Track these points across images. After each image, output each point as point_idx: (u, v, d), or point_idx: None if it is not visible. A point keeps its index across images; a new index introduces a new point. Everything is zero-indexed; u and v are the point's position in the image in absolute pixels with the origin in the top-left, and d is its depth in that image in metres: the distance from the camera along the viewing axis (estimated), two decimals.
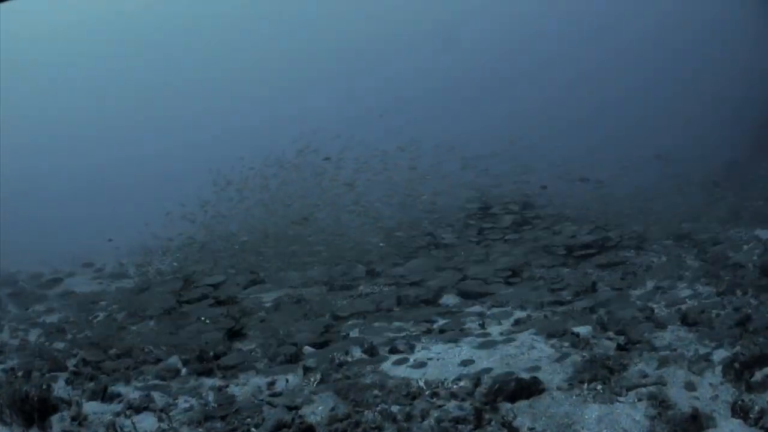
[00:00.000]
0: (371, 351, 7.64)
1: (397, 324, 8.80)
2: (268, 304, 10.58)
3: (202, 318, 9.17)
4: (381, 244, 12.25)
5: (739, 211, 16.00)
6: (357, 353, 7.77)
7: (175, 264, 14.53)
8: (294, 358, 7.76)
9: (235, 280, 12.78)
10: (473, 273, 10.67)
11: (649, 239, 14.69)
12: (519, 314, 9.31)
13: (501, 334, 8.30)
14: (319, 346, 8.08)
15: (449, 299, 10.25)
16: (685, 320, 9.03)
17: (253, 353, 8.06)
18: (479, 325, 8.65)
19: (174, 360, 8.65)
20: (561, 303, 9.90)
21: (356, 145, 14.57)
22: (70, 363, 9.50)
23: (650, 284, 11.25)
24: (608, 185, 16.02)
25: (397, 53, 44.87)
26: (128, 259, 18.33)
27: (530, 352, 7.56)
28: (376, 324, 8.40)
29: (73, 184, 36.10)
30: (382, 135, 15.68)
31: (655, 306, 9.84)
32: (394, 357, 7.49)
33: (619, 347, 7.98)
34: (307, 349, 7.93)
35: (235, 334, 8.86)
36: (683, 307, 9.60)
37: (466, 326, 8.69)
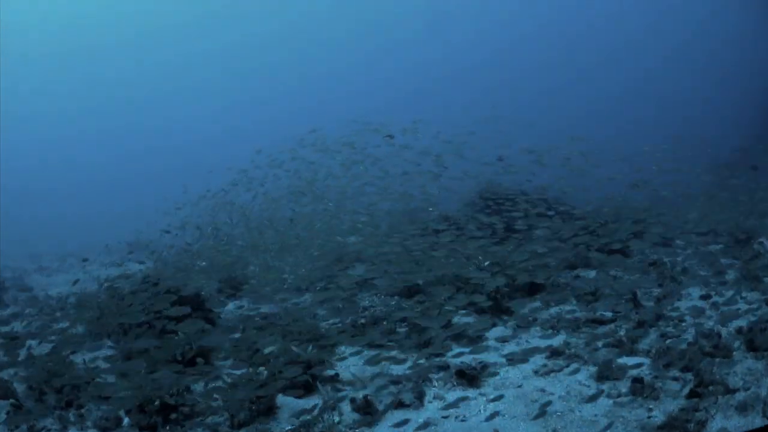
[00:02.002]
0: (366, 406, 5.23)
1: (400, 356, 6.42)
2: (246, 322, 8.21)
3: (159, 346, 6.84)
4: (391, 243, 9.88)
5: (754, 200, 14.16)
6: (347, 408, 5.36)
7: (156, 268, 12.07)
8: (263, 412, 5.38)
9: (218, 287, 10.47)
10: (489, 281, 8.31)
11: (672, 234, 12.52)
12: (553, 339, 6.89)
13: (536, 373, 5.91)
14: (299, 389, 5.69)
15: (463, 316, 7.81)
16: (751, 345, 6.73)
17: (211, 400, 5.65)
18: (506, 358, 6.24)
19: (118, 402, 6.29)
20: (600, 322, 7.48)
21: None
22: (20, 388, 7.30)
23: (694, 292, 8.90)
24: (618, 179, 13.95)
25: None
26: (111, 259, 16.06)
27: (583, 408, 5.16)
28: (374, 357, 5.99)
29: (79, 179, 34.06)
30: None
31: (711, 323, 7.53)
32: (398, 414, 5.11)
33: (692, 393, 5.61)
34: (282, 398, 5.53)
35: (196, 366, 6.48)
36: (743, 325, 7.32)
37: (489, 359, 6.27)
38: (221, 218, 13.09)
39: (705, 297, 8.75)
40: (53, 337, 9.42)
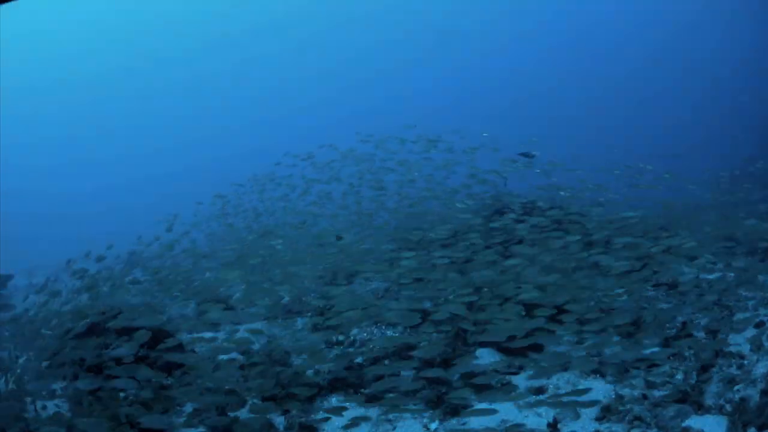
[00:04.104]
0: None
1: (407, 414, 4.66)
2: (219, 354, 6.45)
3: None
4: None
5: None
6: None
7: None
8: None
9: (198, 312, 8.70)
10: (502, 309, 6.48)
11: (695, 245, 10.72)
12: (599, 390, 5.12)
13: None
14: None
15: (484, 354, 6.00)
16: None
17: None
18: (545, 420, 4.45)
19: None
20: (650, 361, 5.70)
21: None
22: None
23: (743, 316, 7.16)
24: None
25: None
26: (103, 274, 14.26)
27: None
28: (371, 423, 4.23)
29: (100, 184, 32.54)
30: None
31: None
32: None
33: None
34: None
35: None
36: None
37: (524, 420, 4.50)
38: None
39: (759, 325, 6.98)
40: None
